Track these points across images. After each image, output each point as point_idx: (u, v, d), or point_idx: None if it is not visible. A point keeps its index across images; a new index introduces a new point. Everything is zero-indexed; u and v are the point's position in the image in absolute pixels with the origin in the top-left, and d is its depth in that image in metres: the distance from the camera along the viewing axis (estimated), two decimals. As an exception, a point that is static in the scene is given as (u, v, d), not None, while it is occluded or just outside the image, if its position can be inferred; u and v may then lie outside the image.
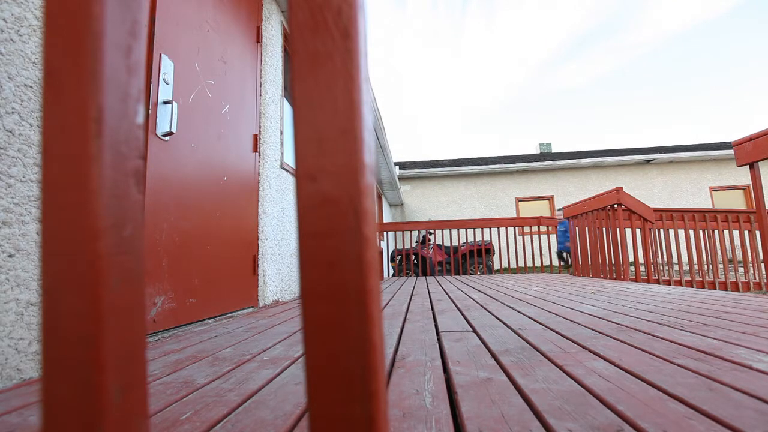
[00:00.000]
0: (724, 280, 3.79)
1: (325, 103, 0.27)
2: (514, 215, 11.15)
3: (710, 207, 10.35)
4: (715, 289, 3.72)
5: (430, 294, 3.03)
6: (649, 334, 1.26)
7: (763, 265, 4.76)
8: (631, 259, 8.98)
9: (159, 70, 1.63)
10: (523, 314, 1.79)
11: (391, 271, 8.01)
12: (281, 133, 3.10)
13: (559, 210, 5.93)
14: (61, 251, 0.25)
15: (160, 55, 1.64)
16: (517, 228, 6.37)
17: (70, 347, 0.24)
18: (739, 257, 8.01)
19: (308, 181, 0.26)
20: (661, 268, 4.00)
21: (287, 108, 3.33)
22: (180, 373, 1.06)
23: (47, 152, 0.26)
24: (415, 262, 7.64)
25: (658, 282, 3.80)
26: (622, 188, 3.85)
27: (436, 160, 12.72)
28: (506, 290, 3.08)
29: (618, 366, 0.92)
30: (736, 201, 10.97)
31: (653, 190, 11.02)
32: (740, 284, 3.74)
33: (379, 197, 9.45)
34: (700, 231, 4.04)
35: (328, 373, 0.25)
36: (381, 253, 6.81)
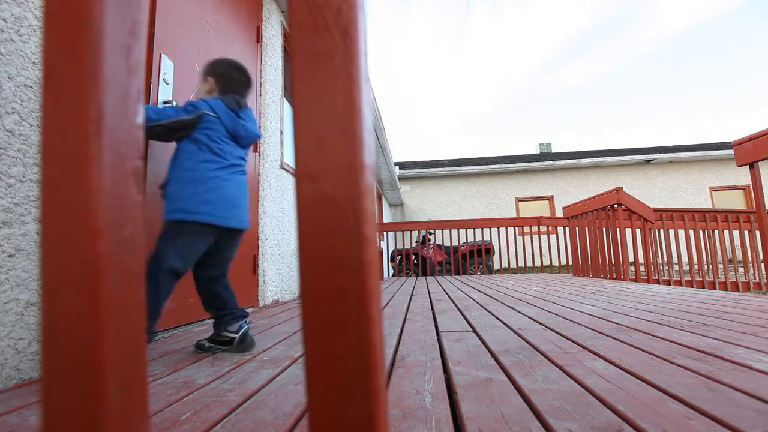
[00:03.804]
0: (724, 280, 3.79)
1: (325, 103, 0.27)
2: (514, 215, 11.15)
3: (710, 207, 10.35)
4: (715, 289, 3.72)
5: (430, 294, 3.03)
6: (649, 334, 1.26)
7: (763, 265, 4.76)
8: (631, 259, 8.98)
9: (159, 70, 1.63)
10: (523, 314, 1.79)
11: (391, 271, 8.01)
12: (281, 133, 3.10)
13: None
14: (61, 251, 0.25)
15: (160, 55, 1.64)
16: (517, 228, 6.37)
17: (70, 347, 0.24)
18: (739, 257, 8.02)
19: (308, 181, 0.26)
20: (661, 268, 4.00)
21: (287, 108, 3.33)
22: (180, 373, 1.06)
23: (47, 152, 0.26)
24: (415, 262, 7.65)
25: (658, 282, 3.80)
26: (622, 188, 3.85)
27: (436, 160, 12.71)
28: (506, 290, 3.08)
29: (618, 366, 0.92)
30: (736, 201, 10.96)
31: (653, 190, 11.01)
32: (740, 284, 3.74)
33: (379, 197, 9.45)
34: (700, 231, 4.04)
35: (328, 373, 0.25)
36: (381, 253, 6.81)
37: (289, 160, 3.22)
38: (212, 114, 1.32)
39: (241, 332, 1.31)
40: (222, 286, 1.37)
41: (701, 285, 3.83)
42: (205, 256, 1.33)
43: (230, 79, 1.44)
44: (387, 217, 10.36)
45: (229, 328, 1.31)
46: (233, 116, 1.37)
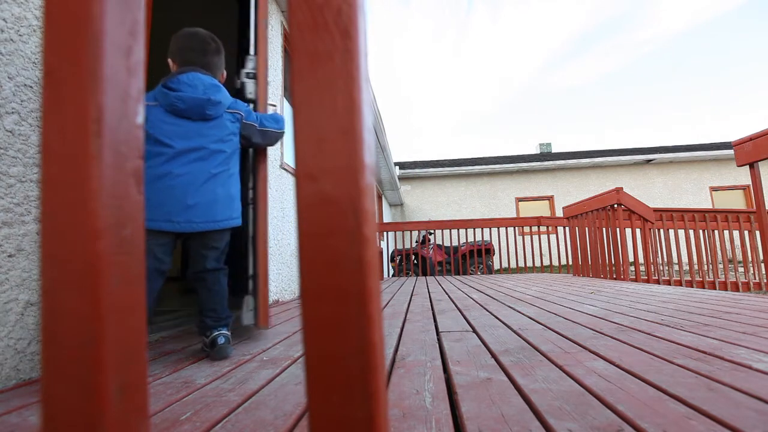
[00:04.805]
0: (724, 280, 3.79)
1: (325, 103, 0.27)
2: (514, 215, 11.15)
3: (710, 207, 10.35)
4: (715, 289, 3.72)
5: (430, 294, 3.03)
6: (649, 334, 1.26)
7: (763, 265, 4.76)
8: (631, 259, 8.98)
9: (159, 70, 1.64)
10: (523, 314, 1.79)
11: (391, 271, 8.01)
12: (281, 133, 3.10)
13: None
14: (61, 251, 0.25)
15: (160, 55, 1.64)
16: (517, 228, 6.37)
17: (70, 347, 0.24)
18: (739, 257, 8.02)
19: (308, 181, 0.26)
20: (661, 268, 4.00)
21: (287, 108, 3.33)
22: (180, 373, 1.06)
23: (47, 152, 0.26)
24: (415, 262, 7.65)
25: (658, 282, 3.80)
26: (622, 188, 3.85)
27: (436, 160, 12.71)
28: (506, 290, 3.08)
29: (618, 366, 0.92)
30: (736, 201, 10.96)
31: (653, 190, 11.01)
32: (740, 284, 3.74)
33: (379, 197, 9.45)
34: (700, 231, 4.04)
35: (328, 373, 0.25)
36: (381, 253, 6.80)
37: (289, 160, 3.22)
38: (152, 103, 1.20)
39: (210, 338, 1.21)
40: (203, 287, 1.27)
41: (701, 285, 3.83)
42: (188, 252, 1.28)
43: (184, 51, 1.28)
44: (387, 217, 10.36)
45: (206, 333, 1.24)
46: (165, 92, 1.20)
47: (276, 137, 1.47)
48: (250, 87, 1.57)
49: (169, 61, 1.31)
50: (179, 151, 1.18)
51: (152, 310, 1.21)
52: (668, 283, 3.82)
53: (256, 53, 1.59)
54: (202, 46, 1.30)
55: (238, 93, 1.60)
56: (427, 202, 11.59)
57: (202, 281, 1.27)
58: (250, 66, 1.57)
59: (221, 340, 1.21)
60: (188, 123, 1.21)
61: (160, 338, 1.58)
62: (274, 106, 1.68)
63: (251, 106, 1.55)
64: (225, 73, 1.41)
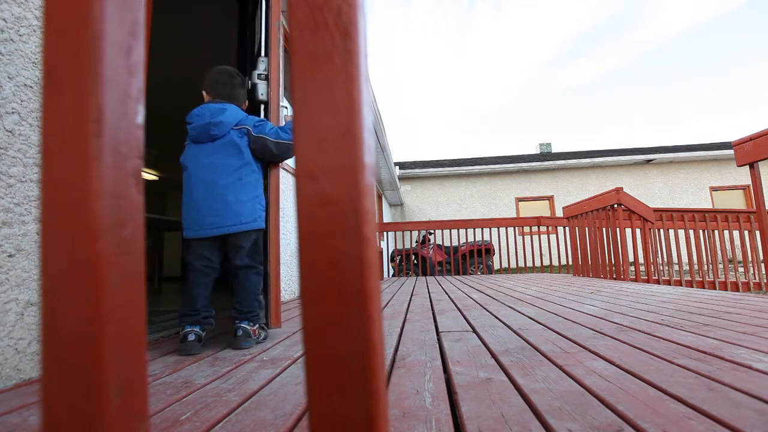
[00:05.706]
0: (724, 280, 3.79)
1: (325, 104, 0.27)
2: (514, 215, 11.14)
3: (710, 207, 10.34)
4: (715, 289, 3.72)
5: (430, 294, 3.03)
6: (649, 334, 1.26)
7: (763, 265, 4.76)
8: (631, 259, 8.98)
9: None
10: (523, 314, 1.79)
11: (391, 271, 8.01)
12: (281, 133, 3.09)
13: None
14: (61, 251, 0.25)
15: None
16: (517, 228, 6.36)
17: (70, 347, 0.24)
18: (739, 257, 8.01)
19: (308, 181, 0.26)
20: (661, 268, 4.00)
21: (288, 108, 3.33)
22: (180, 373, 1.06)
23: (47, 152, 0.26)
24: (415, 262, 7.64)
25: (658, 282, 3.80)
26: (622, 188, 3.85)
27: (436, 160, 12.71)
28: (506, 290, 3.08)
29: (618, 366, 0.92)
30: (736, 201, 10.95)
31: (653, 190, 11.01)
32: (740, 284, 3.74)
33: (379, 197, 9.45)
34: (700, 231, 4.04)
35: (328, 373, 0.25)
36: (381, 253, 6.80)
37: (290, 160, 3.21)
38: (187, 142, 1.45)
39: (234, 328, 1.37)
40: (235, 282, 1.43)
41: (701, 285, 3.83)
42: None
43: (216, 85, 1.50)
44: (387, 217, 10.36)
45: (234, 323, 1.38)
46: (187, 128, 1.45)
47: (291, 148, 1.58)
48: (261, 88, 1.60)
49: (203, 92, 1.51)
50: (194, 170, 1.39)
51: (209, 298, 1.40)
52: (668, 283, 3.82)
53: (267, 55, 1.61)
54: (231, 80, 1.51)
55: (249, 94, 1.62)
56: (427, 202, 11.58)
57: (235, 277, 1.43)
58: (261, 67, 1.60)
59: (239, 332, 1.35)
60: (202, 146, 1.41)
61: (160, 338, 1.58)
62: (286, 107, 1.72)
63: (263, 106, 1.59)
64: (247, 102, 1.61)
